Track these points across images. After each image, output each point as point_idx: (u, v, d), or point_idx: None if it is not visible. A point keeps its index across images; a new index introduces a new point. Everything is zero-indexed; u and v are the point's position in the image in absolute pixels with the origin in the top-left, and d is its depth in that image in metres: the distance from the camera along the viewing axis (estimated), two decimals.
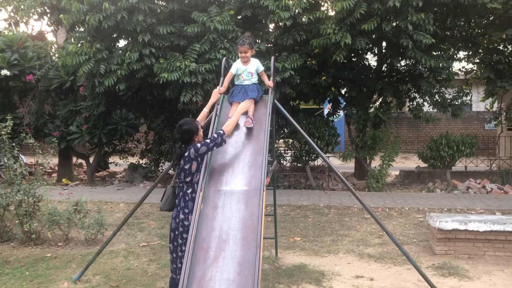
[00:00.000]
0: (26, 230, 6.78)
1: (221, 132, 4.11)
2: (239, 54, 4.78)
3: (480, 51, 11.62)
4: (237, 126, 4.49)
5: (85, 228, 6.80)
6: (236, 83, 4.85)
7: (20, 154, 7.48)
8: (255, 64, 4.84)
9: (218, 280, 3.33)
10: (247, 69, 4.77)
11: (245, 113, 4.59)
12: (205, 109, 4.61)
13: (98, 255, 5.54)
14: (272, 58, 5.43)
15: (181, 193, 4.00)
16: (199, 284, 3.31)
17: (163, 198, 4.15)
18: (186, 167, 3.96)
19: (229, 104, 4.78)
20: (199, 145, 3.98)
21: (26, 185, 6.75)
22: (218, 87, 4.81)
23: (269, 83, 4.96)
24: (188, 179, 3.97)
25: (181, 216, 3.90)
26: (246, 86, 4.75)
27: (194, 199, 3.89)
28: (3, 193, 6.76)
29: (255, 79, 4.83)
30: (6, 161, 6.87)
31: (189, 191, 3.96)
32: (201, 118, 4.52)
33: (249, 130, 4.51)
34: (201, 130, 4.24)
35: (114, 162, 14.43)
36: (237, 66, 4.79)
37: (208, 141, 4.03)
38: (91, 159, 13.37)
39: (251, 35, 4.91)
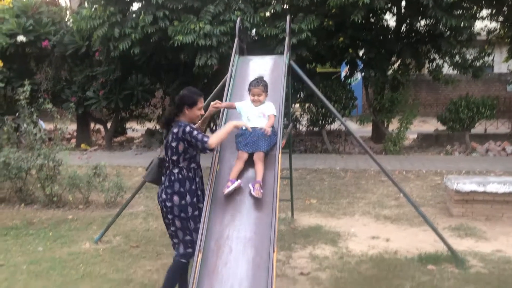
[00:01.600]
0: (47, 194, 6.95)
1: (205, 139, 3.49)
2: (251, 97, 3.99)
3: (504, 9, 11.17)
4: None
5: (105, 191, 6.95)
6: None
7: (40, 120, 7.57)
8: (269, 107, 3.96)
9: (235, 238, 3.38)
10: (259, 109, 3.93)
11: (251, 174, 3.76)
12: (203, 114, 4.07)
13: (117, 216, 5.66)
14: (288, 17, 5.21)
15: (167, 172, 3.64)
16: (217, 242, 3.38)
17: (148, 167, 3.91)
18: (173, 144, 3.56)
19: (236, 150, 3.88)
20: (188, 128, 3.52)
21: (46, 149, 6.88)
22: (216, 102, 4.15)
23: (268, 129, 3.80)
24: (174, 158, 3.58)
25: (163, 196, 3.60)
26: (258, 132, 3.78)
27: (181, 180, 3.56)
28: (24, 157, 6.92)
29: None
30: (26, 126, 6.99)
31: (175, 171, 3.58)
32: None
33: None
34: (200, 110, 3.73)
35: (131, 128, 14.54)
36: (242, 107, 4.02)
37: (197, 135, 3.51)
38: (108, 125, 13.51)
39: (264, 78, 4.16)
